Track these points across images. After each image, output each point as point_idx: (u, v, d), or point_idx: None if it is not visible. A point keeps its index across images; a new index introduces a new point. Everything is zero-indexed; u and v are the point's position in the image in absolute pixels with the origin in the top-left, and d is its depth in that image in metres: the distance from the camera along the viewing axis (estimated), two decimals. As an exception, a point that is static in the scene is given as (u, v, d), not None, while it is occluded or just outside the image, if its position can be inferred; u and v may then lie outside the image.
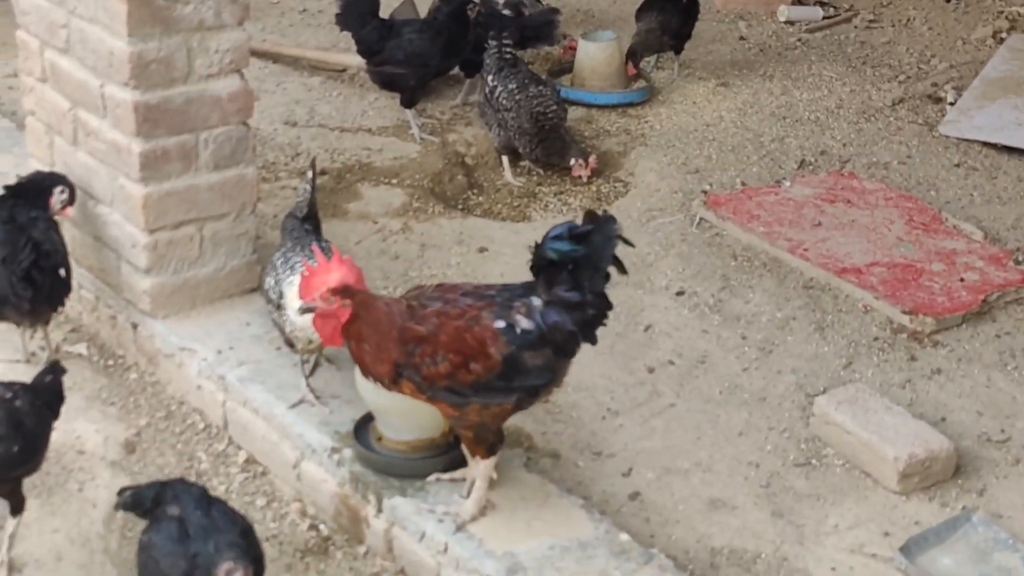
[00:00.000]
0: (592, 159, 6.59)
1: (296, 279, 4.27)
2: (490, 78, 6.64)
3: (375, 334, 3.83)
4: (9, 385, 4.07)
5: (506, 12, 7.61)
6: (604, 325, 3.93)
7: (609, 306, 3.92)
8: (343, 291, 3.84)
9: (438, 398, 3.87)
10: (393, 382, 3.89)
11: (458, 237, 6.05)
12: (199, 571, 3.46)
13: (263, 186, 5.92)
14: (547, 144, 6.58)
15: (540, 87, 6.64)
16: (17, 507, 4.06)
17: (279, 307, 4.43)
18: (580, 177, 6.56)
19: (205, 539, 3.50)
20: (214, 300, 5.10)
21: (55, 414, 4.17)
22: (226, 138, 4.95)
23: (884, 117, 7.33)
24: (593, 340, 3.93)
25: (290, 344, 4.54)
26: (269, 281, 4.52)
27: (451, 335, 3.81)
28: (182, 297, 5.04)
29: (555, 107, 6.60)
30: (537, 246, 3.88)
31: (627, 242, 3.87)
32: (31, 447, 4.01)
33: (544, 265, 3.87)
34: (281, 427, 4.53)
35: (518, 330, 3.83)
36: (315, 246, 4.18)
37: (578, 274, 3.84)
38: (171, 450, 4.73)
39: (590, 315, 3.89)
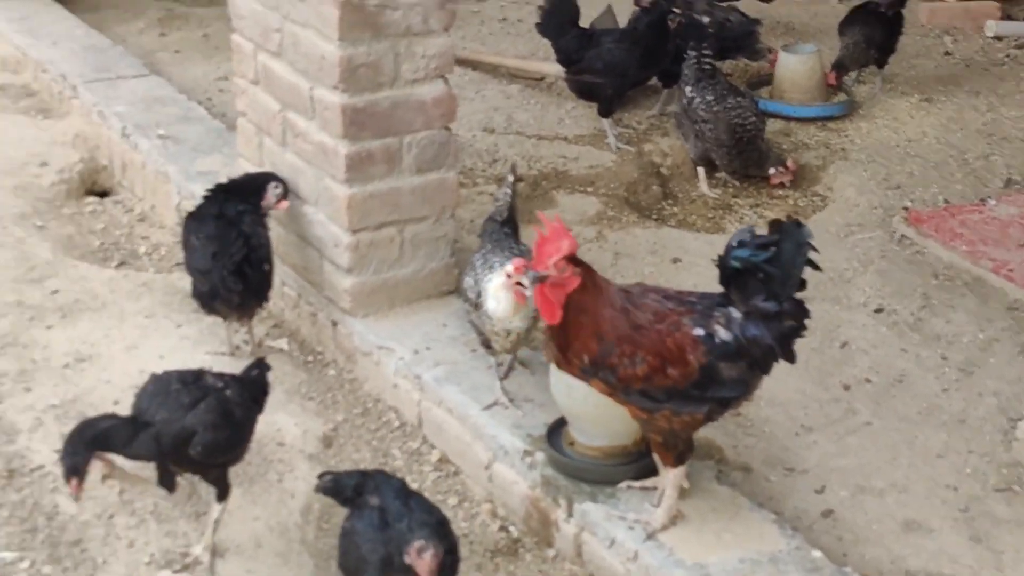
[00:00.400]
0: (790, 162, 6.53)
1: (495, 276, 4.33)
2: (688, 89, 6.61)
3: (595, 307, 3.78)
4: (221, 376, 4.21)
5: (706, 21, 7.57)
6: (802, 337, 3.88)
7: (806, 314, 3.85)
8: (573, 260, 3.79)
9: (631, 401, 3.86)
10: (593, 365, 3.82)
11: (652, 247, 6.04)
12: (396, 554, 3.54)
13: (461, 191, 5.99)
14: (744, 155, 6.53)
15: (738, 98, 6.59)
16: (223, 493, 4.19)
17: (477, 306, 4.49)
18: (782, 184, 6.50)
19: (403, 525, 3.59)
20: (412, 301, 5.19)
21: (260, 407, 4.30)
22: (429, 142, 5.04)
23: (1095, 136, 7.10)
24: (792, 358, 3.87)
25: (487, 346, 4.60)
26: (468, 281, 4.59)
27: (653, 338, 3.80)
28: (381, 297, 5.14)
29: (753, 119, 6.54)
30: (720, 257, 3.85)
31: (814, 249, 3.81)
32: (237, 436, 4.13)
33: (732, 275, 3.83)
34: (475, 428, 4.59)
35: (717, 340, 3.80)
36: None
37: (770, 283, 3.80)
38: (366, 446, 4.83)
39: (788, 327, 3.84)
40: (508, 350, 4.56)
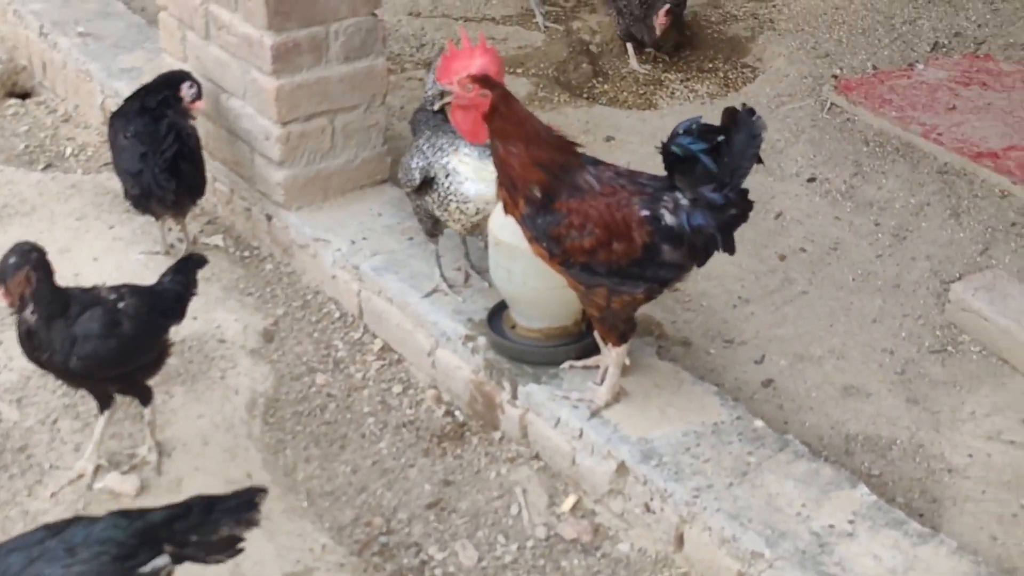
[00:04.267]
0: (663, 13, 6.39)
1: (465, 159, 4.28)
2: None
3: (521, 132, 3.74)
4: (116, 288, 4.12)
5: None
6: (744, 221, 3.87)
7: (750, 206, 3.84)
8: (483, 80, 3.72)
9: (570, 274, 3.87)
10: (545, 193, 3.76)
11: (584, 126, 6.02)
12: None
13: (390, 78, 5.93)
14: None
15: None
16: (145, 399, 4.18)
17: (424, 190, 4.42)
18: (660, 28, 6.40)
19: None
20: (346, 191, 5.16)
21: (175, 316, 4.20)
22: (356, 29, 4.97)
23: (1022, -5, 7.11)
24: (731, 249, 3.85)
25: (431, 234, 4.58)
26: (416, 164, 4.46)
27: (602, 210, 3.79)
28: (314, 189, 5.11)
29: None
30: (664, 143, 3.81)
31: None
32: (131, 348, 4.04)
33: (674, 161, 3.80)
34: (415, 316, 4.60)
35: (662, 223, 3.80)
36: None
37: (708, 175, 3.77)
38: (308, 338, 4.82)
39: (731, 215, 3.83)
40: (468, 231, 4.52)
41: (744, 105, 3.78)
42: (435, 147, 4.41)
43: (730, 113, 3.77)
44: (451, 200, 4.35)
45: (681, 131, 3.77)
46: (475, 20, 6.95)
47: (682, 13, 6.55)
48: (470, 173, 4.28)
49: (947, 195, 5.45)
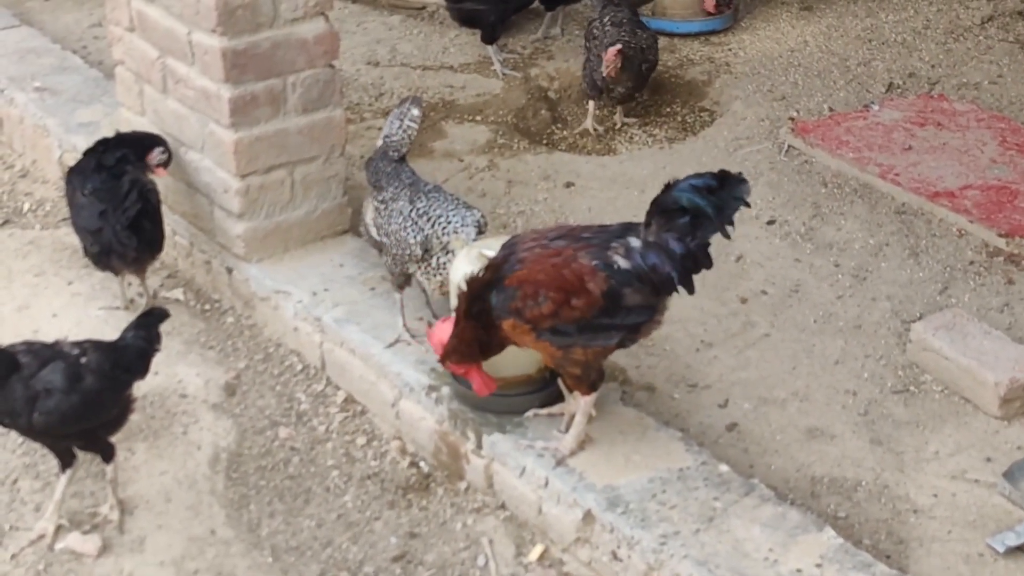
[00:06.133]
0: (613, 50, 6.15)
1: (454, 240, 4.39)
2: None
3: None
4: (79, 343, 4.11)
5: None
6: (700, 271, 3.90)
7: (710, 262, 3.88)
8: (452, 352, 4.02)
9: (543, 339, 3.88)
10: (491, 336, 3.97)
11: (544, 172, 6.04)
12: None
13: (349, 127, 5.93)
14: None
15: (625, 29, 6.38)
16: (107, 455, 4.14)
17: (419, 259, 4.46)
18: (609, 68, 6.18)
19: None
20: (307, 243, 5.15)
21: (137, 372, 4.19)
22: (313, 81, 4.97)
23: (973, 36, 7.19)
24: (690, 289, 3.88)
25: (400, 287, 4.59)
26: (414, 236, 4.45)
27: (549, 272, 3.82)
28: (275, 240, 5.09)
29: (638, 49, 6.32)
30: (668, 186, 3.83)
31: (747, 204, 3.87)
32: (95, 404, 4.02)
33: (669, 208, 3.82)
34: (379, 366, 4.58)
35: (617, 268, 3.82)
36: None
37: (694, 227, 3.81)
38: (270, 391, 4.80)
39: (689, 264, 3.86)
40: (444, 293, 4.54)
41: (740, 174, 3.84)
42: (430, 218, 4.41)
43: (723, 173, 3.83)
44: (439, 275, 4.40)
45: (694, 184, 3.80)
46: (433, 68, 6.97)
47: (641, 65, 6.33)
48: (464, 257, 4.27)
49: (906, 235, 5.49)
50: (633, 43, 6.26)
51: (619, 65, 6.14)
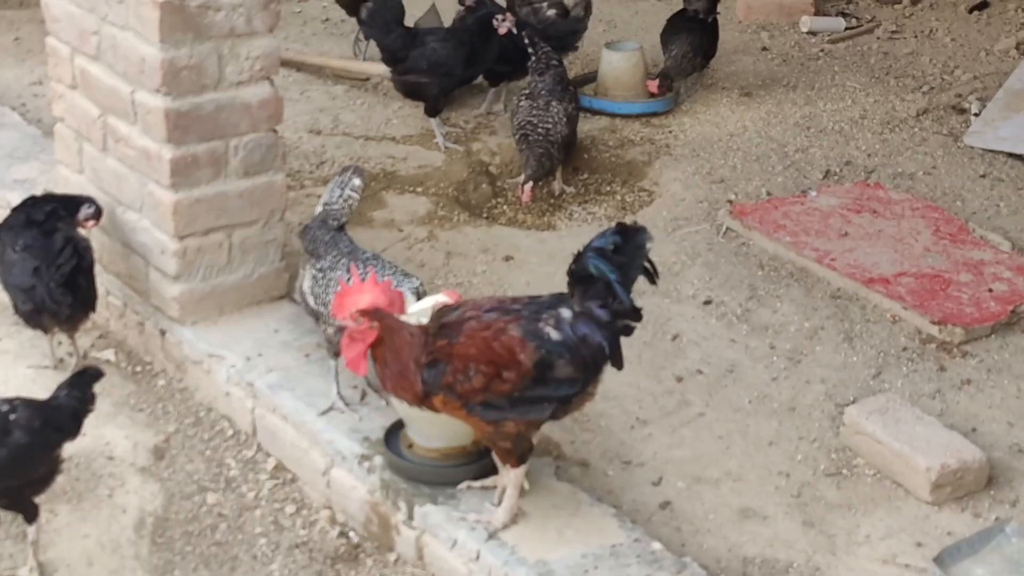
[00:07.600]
0: (528, 187, 6.34)
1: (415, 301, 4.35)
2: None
3: (396, 361, 3.87)
4: (9, 400, 4.05)
5: (551, 13, 7.52)
6: (631, 333, 3.96)
7: (639, 317, 3.93)
8: (372, 313, 3.87)
9: (474, 414, 3.87)
10: (421, 401, 3.92)
11: (483, 245, 6.04)
12: None
13: (289, 194, 5.91)
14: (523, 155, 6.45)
15: (538, 104, 6.48)
16: (30, 516, 4.05)
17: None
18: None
19: None
20: (242, 307, 5.10)
21: (69, 432, 4.13)
22: (256, 145, 4.96)
23: (908, 128, 7.31)
24: (619, 364, 3.94)
25: (337, 355, 4.53)
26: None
27: (479, 346, 3.82)
28: (210, 304, 5.04)
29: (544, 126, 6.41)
30: (578, 256, 3.88)
31: (651, 264, 3.92)
32: (23, 462, 3.96)
33: (582, 277, 3.88)
34: (311, 434, 4.53)
35: (547, 338, 3.85)
36: (354, 266, 4.18)
37: (610, 289, 3.86)
38: (200, 456, 4.72)
39: (620, 326, 3.91)
40: None
41: (635, 222, 3.89)
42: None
43: (621, 227, 3.89)
44: None
45: (596, 250, 3.85)
46: (376, 139, 6.97)
47: (547, 147, 6.36)
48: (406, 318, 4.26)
49: (840, 319, 5.53)
50: (540, 126, 6.37)
51: (530, 199, 6.35)
